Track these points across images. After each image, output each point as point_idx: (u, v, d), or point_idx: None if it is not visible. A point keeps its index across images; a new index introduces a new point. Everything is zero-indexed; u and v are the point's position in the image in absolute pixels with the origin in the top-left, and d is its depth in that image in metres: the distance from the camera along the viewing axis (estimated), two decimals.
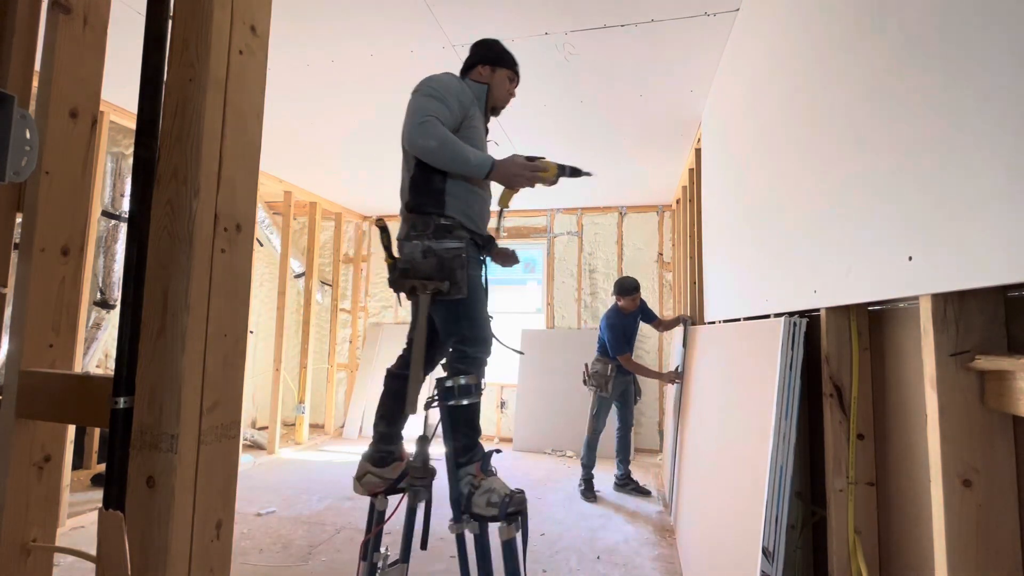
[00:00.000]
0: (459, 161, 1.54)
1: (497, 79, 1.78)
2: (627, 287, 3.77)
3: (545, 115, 3.39)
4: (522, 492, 1.54)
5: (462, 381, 1.55)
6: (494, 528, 1.51)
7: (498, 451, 1.67)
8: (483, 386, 1.63)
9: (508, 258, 1.86)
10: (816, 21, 1.36)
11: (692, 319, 3.60)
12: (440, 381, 1.58)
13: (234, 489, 0.84)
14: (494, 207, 1.79)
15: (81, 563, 2.52)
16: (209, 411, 0.79)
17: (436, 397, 1.58)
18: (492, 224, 1.79)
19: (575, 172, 1.68)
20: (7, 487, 0.88)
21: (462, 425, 1.57)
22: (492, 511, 1.47)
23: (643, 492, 3.87)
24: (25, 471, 0.90)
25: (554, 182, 1.68)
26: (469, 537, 1.54)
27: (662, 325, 3.94)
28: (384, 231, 1.70)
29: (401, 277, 1.60)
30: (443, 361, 1.70)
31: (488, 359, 1.65)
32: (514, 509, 1.48)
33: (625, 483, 3.93)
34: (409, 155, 1.65)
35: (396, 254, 1.66)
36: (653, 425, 5.24)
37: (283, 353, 4.89)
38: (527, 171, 1.61)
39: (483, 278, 1.72)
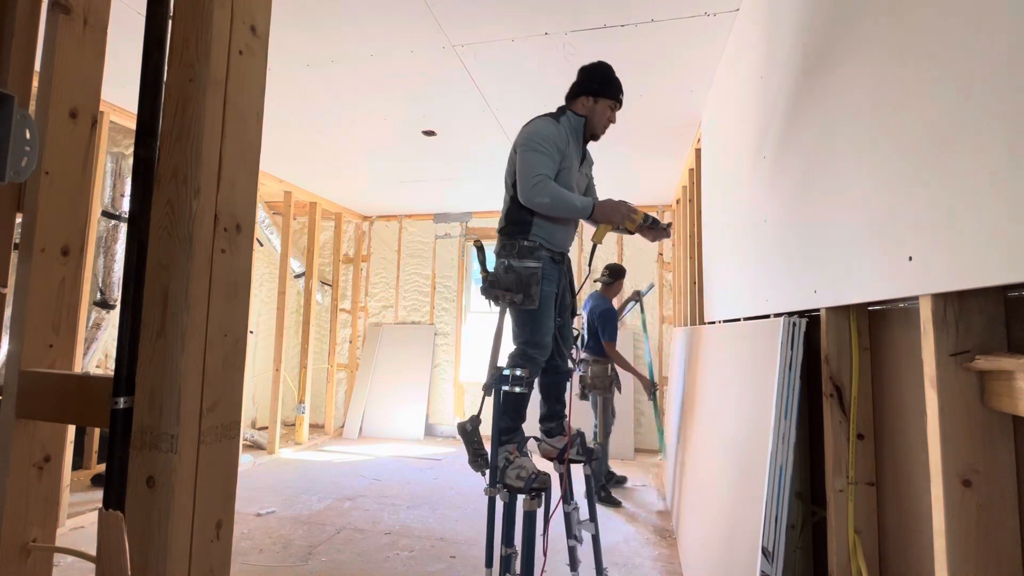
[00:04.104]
0: (568, 209, 1.82)
1: (598, 109, 1.95)
2: (622, 271, 4.06)
3: None
4: (547, 474, 1.76)
5: (517, 372, 1.82)
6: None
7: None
8: (533, 383, 1.88)
9: (658, 232, 1.92)
10: (816, 20, 1.36)
11: (647, 290, 4.34)
12: (498, 369, 1.86)
13: (234, 489, 0.84)
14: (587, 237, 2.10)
15: (81, 563, 2.52)
16: (209, 411, 0.79)
17: (493, 381, 1.86)
18: (582, 252, 2.12)
19: (655, 222, 1.87)
20: (7, 487, 0.88)
21: (509, 409, 1.85)
22: (519, 484, 1.73)
23: (614, 502, 3.58)
24: (25, 471, 0.90)
25: (633, 231, 1.87)
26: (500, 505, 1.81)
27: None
28: (480, 249, 1.97)
29: (490, 287, 1.87)
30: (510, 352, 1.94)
31: (543, 361, 1.89)
32: (538, 486, 1.71)
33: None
34: (507, 187, 1.93)
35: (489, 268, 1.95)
36: (653, 424, 5.23)
37: (283, 353, 4.89)
38: (620, 211, 1.83)
39: (557, 288, 1.94)
